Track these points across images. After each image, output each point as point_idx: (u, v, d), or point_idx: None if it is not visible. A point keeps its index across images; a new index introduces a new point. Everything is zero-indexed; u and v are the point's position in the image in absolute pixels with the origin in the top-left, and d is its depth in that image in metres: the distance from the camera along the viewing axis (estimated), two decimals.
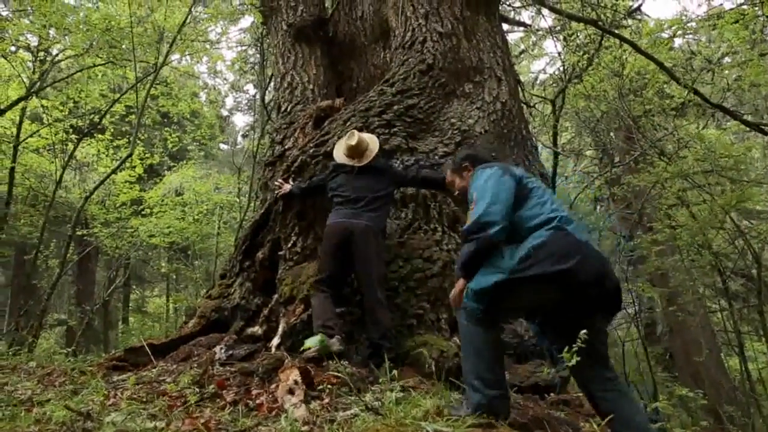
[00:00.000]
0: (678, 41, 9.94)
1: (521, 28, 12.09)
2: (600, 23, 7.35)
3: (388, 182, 3.87)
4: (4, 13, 11.57)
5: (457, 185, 2.93)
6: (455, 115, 4.52)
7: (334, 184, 3.87)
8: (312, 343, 3.19)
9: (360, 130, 4.15)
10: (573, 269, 2.26)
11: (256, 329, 3.97)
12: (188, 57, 12.49)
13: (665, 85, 9.81)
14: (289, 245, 4.18)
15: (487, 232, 2.38)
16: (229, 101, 21.21)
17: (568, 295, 2.33)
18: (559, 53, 9.78)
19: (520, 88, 6.12)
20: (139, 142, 11.05)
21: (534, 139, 5.56)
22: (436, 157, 4.21)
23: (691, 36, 10.29)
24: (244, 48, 14.92)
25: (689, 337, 11.09)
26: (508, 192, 2.50)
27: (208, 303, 4.51)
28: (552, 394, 3.48)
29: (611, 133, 11.69)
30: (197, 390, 3.08)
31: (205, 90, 16.55)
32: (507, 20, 9.15)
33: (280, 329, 3.81)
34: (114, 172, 8.98)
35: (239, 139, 21.45)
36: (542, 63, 30.87)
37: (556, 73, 11.82)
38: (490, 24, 5.31)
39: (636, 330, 10.54)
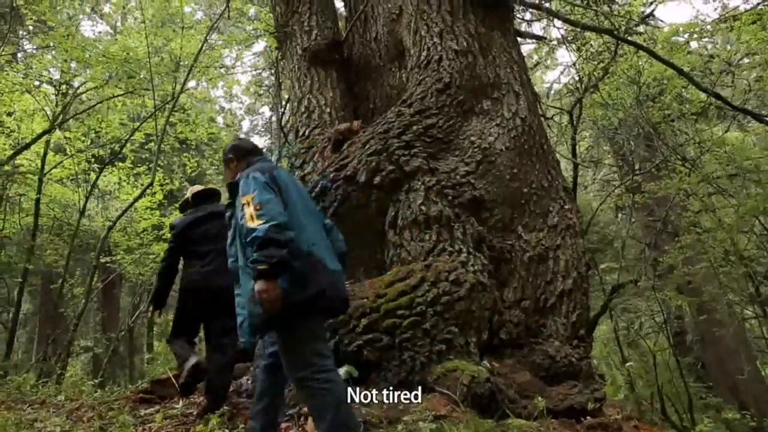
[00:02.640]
0: (693, 44, 9.79)
1: (534, 40, 12.04)
2: (615, 32, 7.25)
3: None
4: (29, 50, 11.92)
5: (229, 176, 3.04)
6: (475, 132, 4.47)
7: (190, 241, 3.74)
8: (341, 373, 3.13)
9: (379, 152, 4.13)
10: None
11: None
12: (204, 83, 12.71)
13: (683, 90, 9.64)
14: None
15: (288, 233, 2.30)
16: (246, 124, 21.51)
17: None
18: (574, 63, 9.70)
19: (537, 102, 6.05)
20: (158, 168, 11.21)
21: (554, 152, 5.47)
22: (458, 177, 4.16)
23: (707, 39, 10.12)
24: (258, 72, 15.16)
25: (723, 347, 10.75)
26: (276, 197, 2.46)
27: None
28: (588, 418, 3.37)
29: (630, 141, 11.52)
30: (225, 423, 3.05)
31: (222, 114, 16.80)
32: (521, 34, 9.11)
33: None
34: (136, 200, 9.11)
35: None
36: (556, 73, 30.74)
37: (571, 82, 11.72)
38: (505, 39, 5.28)
39: (666, 339, 10.26)
